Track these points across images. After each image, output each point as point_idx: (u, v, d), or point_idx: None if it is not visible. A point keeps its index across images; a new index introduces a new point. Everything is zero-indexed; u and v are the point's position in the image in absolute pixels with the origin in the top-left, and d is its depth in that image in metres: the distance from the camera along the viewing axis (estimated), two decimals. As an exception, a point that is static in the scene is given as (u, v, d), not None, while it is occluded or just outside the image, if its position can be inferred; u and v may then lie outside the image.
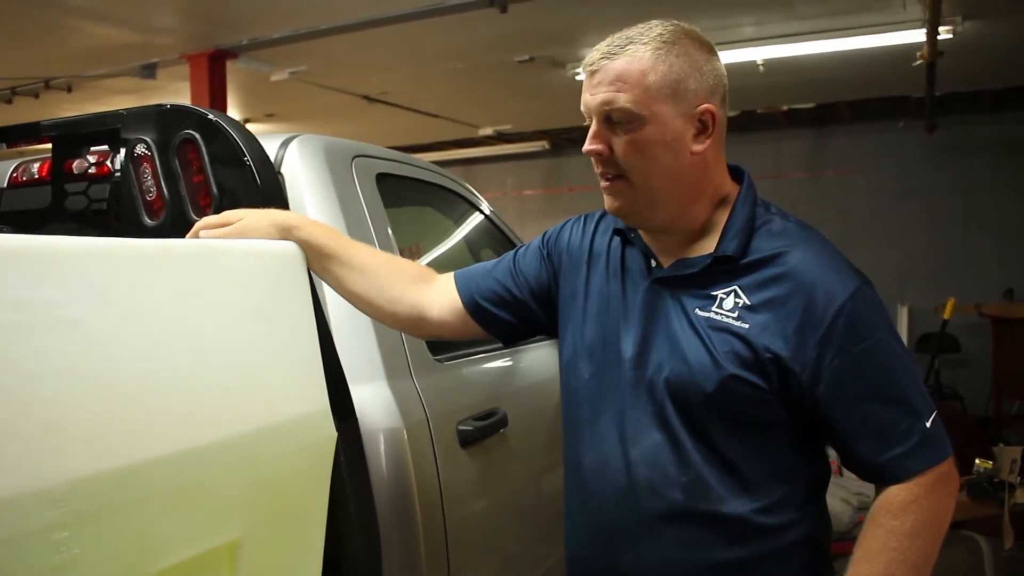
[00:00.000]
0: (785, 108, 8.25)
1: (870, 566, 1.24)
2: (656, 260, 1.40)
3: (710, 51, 1.33)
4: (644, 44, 1.28)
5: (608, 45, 1.31)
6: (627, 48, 1.29)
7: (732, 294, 1.30)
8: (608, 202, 1.37)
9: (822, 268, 1.28)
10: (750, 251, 1.32)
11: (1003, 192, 8.10)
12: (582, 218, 1.56)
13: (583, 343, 1.44)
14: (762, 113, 8.35)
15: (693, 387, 1.29)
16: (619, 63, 1.28)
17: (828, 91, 7.66)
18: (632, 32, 1.30)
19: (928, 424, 1.27)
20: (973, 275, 7.99)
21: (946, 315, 5.46)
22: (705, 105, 1.30)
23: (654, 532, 1.32)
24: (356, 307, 1.57)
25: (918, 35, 5.57)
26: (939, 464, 1.27)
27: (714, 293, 1.32)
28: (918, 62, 5.66)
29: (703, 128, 1.31)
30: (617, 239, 1.47)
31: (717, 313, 1.30)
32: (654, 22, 1.32)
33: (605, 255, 1.47)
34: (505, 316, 1.56)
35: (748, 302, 1.29)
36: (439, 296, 1.56)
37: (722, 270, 1.32)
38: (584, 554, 1.43)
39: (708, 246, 1.35)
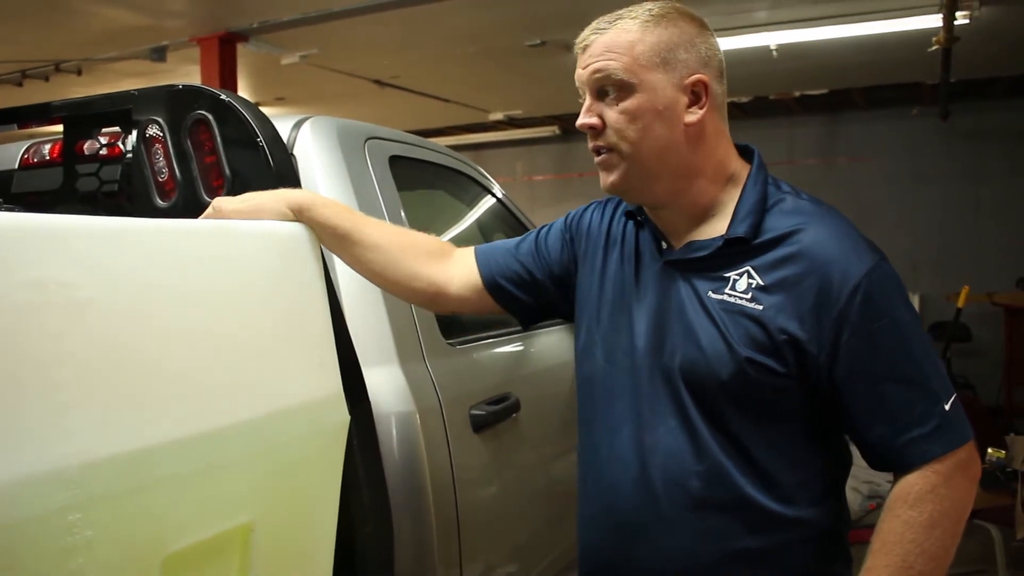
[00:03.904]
0: (798, 94, 8.20)
1: (887, 558, 1.21)
2: (667, 242, 1.39)
3: (702, 26, 1.34)
4: (633, 19, 1.31)
5: (599, 22, 1.34)
6: (616, 23, 1.32)
7: (745, 275, 1.28)
8: (602, 178, 1.36)
9: (837, 245, 1.25)
10: (763, 231, 1.29)
11: (1017, 180, 8.04)
12: (604, 202, 1.55)
13: (598, 328, 1.43)
14: (774, 99, 8.30)
15: (708, 373, 1.27)
16: (608, 36, 1.31)
17: (841, 77, 7.61)
18: (623, 10, 1.34)
19: (947, 407, 1.23)
20: (986, 263, 7.94)
21: (960, 303, 5.43)
22: (697, 75, 1.30)
23: (671, 521, 1.30)
24: (373, 283, 1.56)
25: (934, 20, 5.51)
26: (957, 449, 1.23)
27: (727, 275, 1.29)
28: (933, 48, 5.61)
29: (696, 99, 1.31)
30: (631, 223, 1.46)
31: (730, 295, 1.28)
32: (647, 1, 1.35)
33: (621, 239, 1.46)
34: (524, 297, 1.55)
35: (762, 282, 1.26)
36: (458, 272, 1.54)
37: (734, 251, 1.29)
38: (599, 544, 1.41)
39: (719, 227, 1.33)
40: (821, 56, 6.68)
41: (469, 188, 2.62)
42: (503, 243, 1.61)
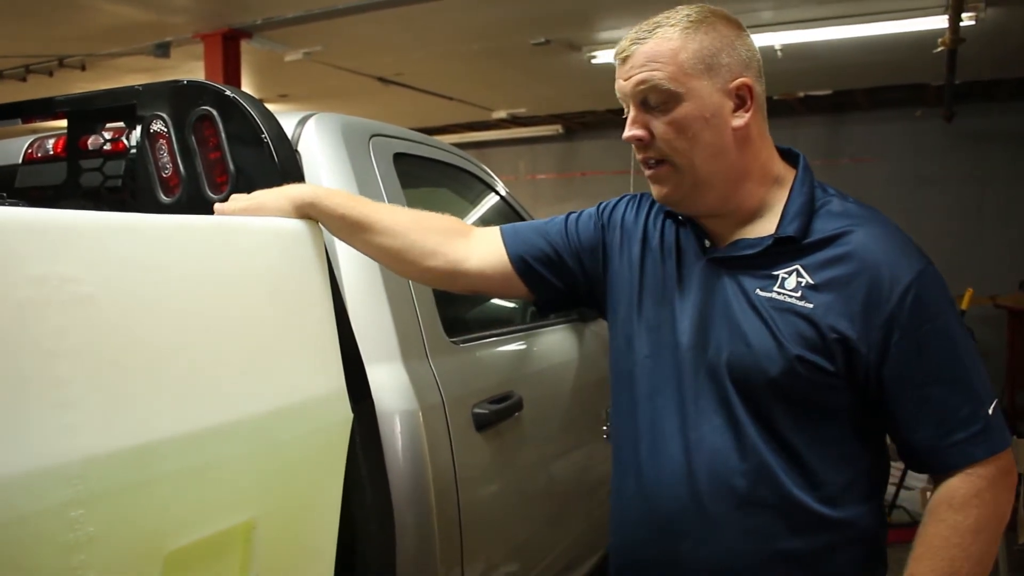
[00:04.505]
0: (802, 95, 8.19)
1: (933, 563, 1.21)
2: (711, 240, 1.38)
3: (739, 27, 1.34)
4: (672, 26, 1.29)
5: (637, 31, 1.32)
6: (656, 31, 1.30)
7: (794, 273, 1.27)
8: (655, 190, 1.36)
9: (886, 248, 1.26)
10: (811, 232, 1.29)
11: (1020, 182, 8.03)
12: (638, 196, 1.54)
13: (639, 323, 1.42)
14: (778, 100, 8.29)
15: (756, 370, 1.26)
16: (649, 45, 1.29)
17: (846, 78, 7.60)
18: (659, 17, 1.31)
19: (990, 411, 1.24)
20: (988, 266, 7.91)
21: (963, 305, 5.40)
22: (741, 79, 1.30)
23: (715, 520, 1.30)
24: (390, 269, 1.54)
25: (940, 21, 5.50)
26: (1000, 454, 1.23)
27: (775, 273, 1.29)
28: (939, 49, 5.59)
29: (741, 103, 1.30)
30: (670, 219, 1.45)
31: (779, 293, 1.27)
32: (681, 7, 1.32)
33: (659, 235, 1.45)
34: (551, 278, 1.52)
35: (811, 281, 1.26)
36: (480, 249, 1.52)
37: (783, 251, 1.29)
38: (637, 542, 1.40)
39: (766, 227, 1.33)
40: (825, 57, 6.68)
41: (473, 186, 2.62)
42: (529, 223, 1.59)
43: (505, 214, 2.68)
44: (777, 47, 6.26)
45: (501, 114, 9.38)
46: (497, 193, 2.68)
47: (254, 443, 1.18)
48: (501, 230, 1.56)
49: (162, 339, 1.06)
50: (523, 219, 2.70)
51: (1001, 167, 8.13)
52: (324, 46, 6.58)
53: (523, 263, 1.51)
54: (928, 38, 5.69)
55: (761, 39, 6.09)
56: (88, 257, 0.99)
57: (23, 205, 1.66)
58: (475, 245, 1.53)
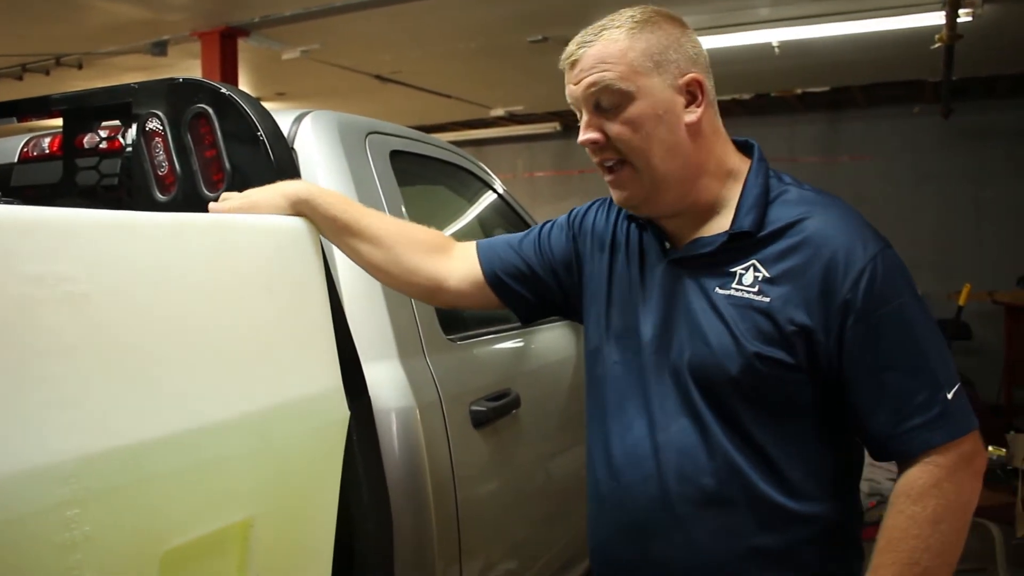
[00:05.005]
0: (799, 92, 8.19)
1: (893, 555, 1.20)
2: (671, 241, 1.39)
3: (683, 25, 1.35)
4: (618, 27, 1.30)
5: (583, 35, 1.33)
6: (602, 34, 1.31)
7: (751, 268, 1.28)
8: (616, 195, 1.36)
9: (842, 232, 1.25)
10: (767, 223, 1.29)
11: (1018, 178, 8.03)
12: (607, 201, 1.54)
13: (609, 328, 1.42)
14: (776, 97, 8.29)
15: (716, 370, 1.27)
16: (597, 48, 1.30)
17: (843, 75, 7.60)
18: (604, 21, 1.33)
19: (949, 396, 1.22)
20: (986, 262, 7.93)
21: (961, 301, 5.41)
22: (690, 74, 1.30)
23: (685, 520, 1.30)
24: (372, 276, 1.56)
25: (937, 17, 5.50)
26: (960, 439, 1.21)
27: (733, 270, 1.29)
28: (936, 45, 5.59)
29: (692, 98, 1.31)
30: (634, 223, 1.46)
31: (737, 290, 1.27)
32: (624, 9, 1.34)
33: (625, 238, 1.46)
34: (525, 293, 1.54)
35: (768, 275, 1.26)
36: (459, 266, 1.54)
37: (739, 246, 1.29)
38: (612, 544, 1.41)
39: (722, 224, 1.33)
40: (823, 53, 6.67)
41: (470, 184, 2.61)
42: (504, 237, 1.60)
43: (502, 212, 2.68)
44: (774, 43, 6.26)
45: (499, 112, 9.38)
46: (495, 191, 2.67)
47: (251, 441, 1.17)
48: (477, 246, 1.57)
49: (158, 337, 1.06)
50: (520, 217, 2.70)
51: (999, 163, 8.14)
52: (322, 44, 6.58)
53: (497, 279, 1.53)
54: (925, 34, 5.69)
55: (758, 36, 6.10)
56: (84, 255, 0.98)
57: (18, 204, 1.66)
58: (454, 262, 1.55)
